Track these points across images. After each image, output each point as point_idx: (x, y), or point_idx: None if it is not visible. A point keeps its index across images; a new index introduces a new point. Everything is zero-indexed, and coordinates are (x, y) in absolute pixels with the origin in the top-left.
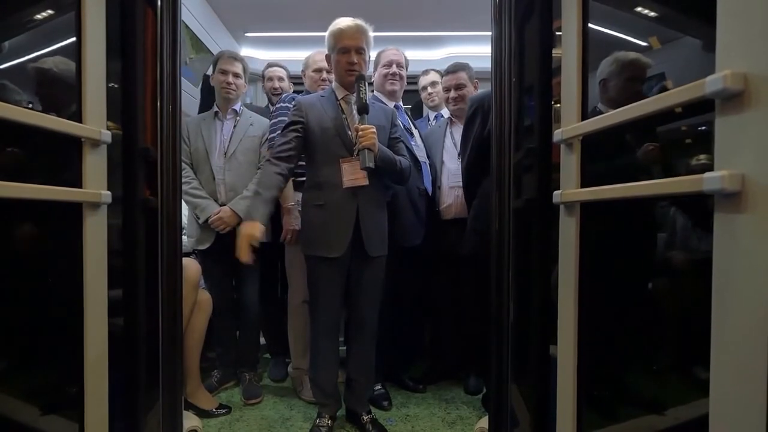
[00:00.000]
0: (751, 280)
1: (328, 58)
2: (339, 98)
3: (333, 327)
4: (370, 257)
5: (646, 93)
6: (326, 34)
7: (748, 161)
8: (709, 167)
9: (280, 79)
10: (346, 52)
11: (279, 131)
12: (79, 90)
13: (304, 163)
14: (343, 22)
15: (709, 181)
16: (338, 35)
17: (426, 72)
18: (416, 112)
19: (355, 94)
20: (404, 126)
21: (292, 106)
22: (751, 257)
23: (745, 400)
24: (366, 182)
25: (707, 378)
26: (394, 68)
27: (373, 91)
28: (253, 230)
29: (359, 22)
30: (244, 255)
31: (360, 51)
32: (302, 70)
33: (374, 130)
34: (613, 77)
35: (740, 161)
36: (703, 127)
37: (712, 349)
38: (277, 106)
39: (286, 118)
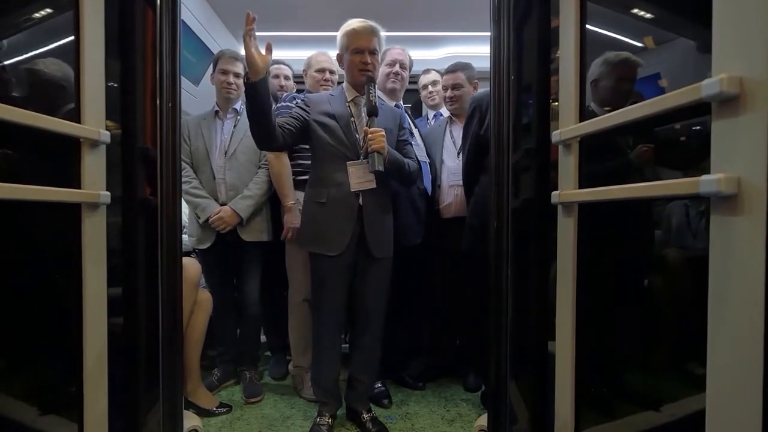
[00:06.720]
0: (746, 281)
1: (339, 58)
2: (349, 100)
3: (335, 326)
4: (375, 258)
5: (637, 93)
6: (338, 34)
7: (744, 164)
8: (706, 170)
9: (287, 77)
10: (360, 53)
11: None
12: (78, 90)
13: (306, 162)
14: (357, 22)
15: (706, 183)
16: (352, 35)
17: (427, 71)
18: (415, 112)
19: (364, 97)
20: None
21: (300, 100)
22: (746, 259)
23: (741, 395)
24: (374, 185)
25: (704, 374)
26: (396, 68)
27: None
28: None
29: (372, 23)
30: None
31: (373, 52)
32: (303, 70)
33: (383, 133)
34: (603, 78)
35: (736, 164)
36: (700, 130)
37: (709, 347)
38: (279, 105)
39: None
